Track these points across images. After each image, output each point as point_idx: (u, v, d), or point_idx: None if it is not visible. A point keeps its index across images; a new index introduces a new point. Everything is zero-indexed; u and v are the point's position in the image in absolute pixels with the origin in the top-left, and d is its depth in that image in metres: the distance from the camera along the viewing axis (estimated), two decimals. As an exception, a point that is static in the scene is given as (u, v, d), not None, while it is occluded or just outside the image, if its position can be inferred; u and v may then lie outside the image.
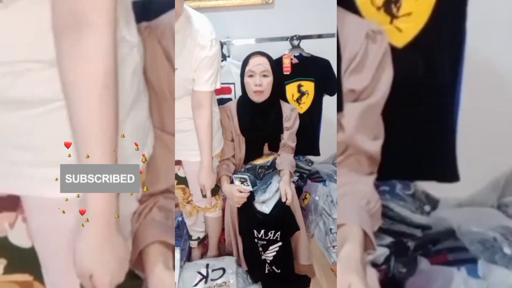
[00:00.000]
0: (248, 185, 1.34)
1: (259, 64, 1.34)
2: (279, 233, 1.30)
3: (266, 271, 1.36)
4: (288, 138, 1.47)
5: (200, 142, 1.23)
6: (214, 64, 1.13)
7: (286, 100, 1.70)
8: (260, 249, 1.33)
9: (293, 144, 1.49)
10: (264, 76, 1.35)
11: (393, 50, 0.91)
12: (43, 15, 0.53)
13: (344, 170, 0.82)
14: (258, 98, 1.37)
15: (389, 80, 0.83)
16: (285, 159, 1.43)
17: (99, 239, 0.57)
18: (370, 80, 0.81)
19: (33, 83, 0.55)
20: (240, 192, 1.31)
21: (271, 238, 1.30)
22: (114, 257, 0.59)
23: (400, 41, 0.98)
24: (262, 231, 1.30)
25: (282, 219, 1.32)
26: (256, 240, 1.32)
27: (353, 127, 0.80)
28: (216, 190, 1.41)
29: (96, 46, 0.52)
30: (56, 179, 0.57)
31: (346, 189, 0.79)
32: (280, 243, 1.31)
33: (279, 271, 1.35)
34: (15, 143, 0.57)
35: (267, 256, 1.33)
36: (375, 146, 0.82)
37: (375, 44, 0.82)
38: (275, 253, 1.33)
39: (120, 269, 0.61)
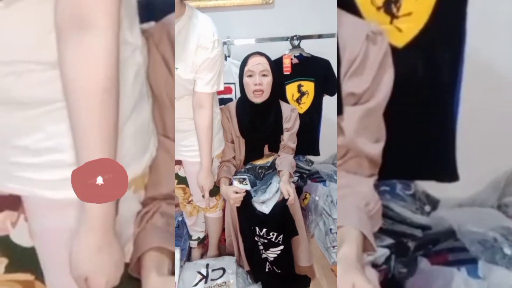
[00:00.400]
0: (246, 184, 1.34)
1: (259, 64, 1.34)
2: (281, 236, 1.30)
3: (267, 270, 1.36)
4: (289, 139, 1.46)
5: (200, 143, 1.23)
6: (216, 66, 1.12)
7: (286, 100, 1.70)
8: (261, 247, 1.33)
9: (293, 145, 1.49)
10: (264, 75, 1.34)
11: (393, 50, 0.91)
12: (44, 15, 0.52)
13: (344, 172, 0.82)
14: (257, 99, 1.37)
15: (390, 81, 0.83)
16: (284, 160, 1.43)
17: (95, 242, 0.57)
18: (371, 82, 0.81)
19: (34, 84, 0.55)
20: (236, 192, 1.30)
21: (273, 240, 1.30)
22: (110, 260, 0.60)
23: (400, 41, 0.98)
24: (264, 230, 1.29)
25: (283, 221, 1.32)
26: (257, 238, 1.32)
27: (353, 130, 0.80)
28: (216, 191, 1.41)
29: (97, 49, 0.52)
30: (52, 180, 0.57)
31: (346, 191, 0.79)
32: (282, 247, 1.31)
33: (280, 271, 1.35)
34: (15, 144, 0.57)
35: (268, 255, 1.33)
36: (376, 149, 0.82)
37: (375, 45, 0.82)
38: (276, 255, 1.32)
39: (116, 272, 0.61)
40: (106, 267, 0.59)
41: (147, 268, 0.69)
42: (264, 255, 1.34)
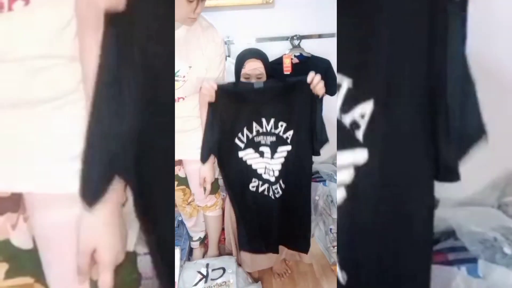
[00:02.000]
0: None
1: (255, 69, 1.36)
2: (291, 132, 1.21)
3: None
4: None
5: None
6: (222, 63, 1.22)
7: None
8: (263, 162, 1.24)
9: None
10: (259, 78, 1.37)
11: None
12: (60, 10, 0.54)
13: None
14: None
15: None
16: None
17: (105, 214, 0.57)
18: None
19: (49, 79, 0.56)
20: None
21: (281, 134, 1.22)
22: (119, 235, 0.59)
23: (401, 41, 0.98)
24: (272, 121, 1.20)
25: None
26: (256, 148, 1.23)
27: None
28: (216, 188, 1.42)
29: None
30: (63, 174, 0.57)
31: None
32: (289, 148, 1.24)
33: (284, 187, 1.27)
34: (23, 141, 0.57)
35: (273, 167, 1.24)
36: None
37: None
38: (282, 159, 1.24)
39: (123, 248, 0.61)
40: (114, 241, 0.59)
41: None
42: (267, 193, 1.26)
